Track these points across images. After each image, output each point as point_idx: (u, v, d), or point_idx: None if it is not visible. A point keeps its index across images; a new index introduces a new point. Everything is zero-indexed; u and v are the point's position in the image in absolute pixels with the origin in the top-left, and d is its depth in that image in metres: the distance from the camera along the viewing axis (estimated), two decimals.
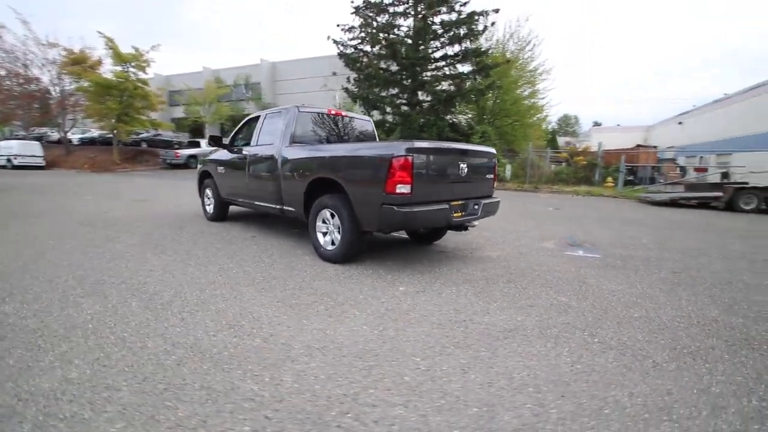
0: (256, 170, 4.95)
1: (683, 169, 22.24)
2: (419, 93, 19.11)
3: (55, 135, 27.35)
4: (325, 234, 4.03)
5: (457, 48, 18.58)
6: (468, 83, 17.85)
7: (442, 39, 18.54)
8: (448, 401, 1.75)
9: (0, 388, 1.75)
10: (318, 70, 33.32)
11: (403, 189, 3.24)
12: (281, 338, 2.31)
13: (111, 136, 23.77)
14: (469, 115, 21.87)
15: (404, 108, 18.74)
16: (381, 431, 1.55)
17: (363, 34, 19.01)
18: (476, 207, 3.96)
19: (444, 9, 18.02)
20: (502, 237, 5.61)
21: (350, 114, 5.26)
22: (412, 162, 3.22)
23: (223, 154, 5.69)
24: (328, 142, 4.94)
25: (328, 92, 32.63)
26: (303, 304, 2.86)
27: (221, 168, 5.67)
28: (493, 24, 18.48)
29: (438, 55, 18.71)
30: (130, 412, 1.61)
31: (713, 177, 14.30)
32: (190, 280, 3.31)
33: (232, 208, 6.30)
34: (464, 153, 3.78)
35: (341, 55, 19.63)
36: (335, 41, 19.74)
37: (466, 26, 17.86)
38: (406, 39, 18.23)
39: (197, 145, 23.03)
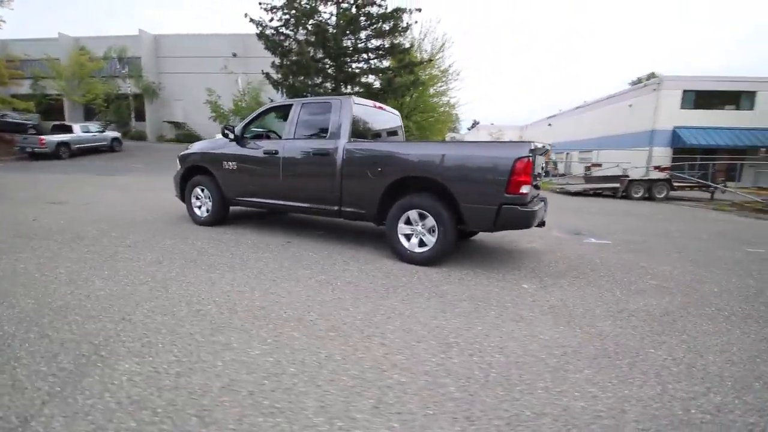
0: (298, 167, 4.33)
1: (555, 164, 26.75)
2: (348, 85, 18.79)
3: None
4: (408, 236, 3.79)
5: (381, 42, 18.80)
6: (398, 78, 18.23)
7: (367, 32, 18.52)
8: None
9: None
10: (215, 49, 29.97)
11: (524, 189, 3.27)
12: (515, 354, 2.16)
13: None
14: None
15: None
16: None
17: (287, 16, 17.73)
18: (543, 203, 4.20)
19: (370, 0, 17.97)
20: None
21: (386, 108, 4.97)
22: (532, 163, 3.27)
23: (231, 148, 4.80)
24: (375, 137, 4.61)
25: (228, 75, 29.81)
26: (466, 313, 2.69)
27: (230, 164, 4.77)
28: (416, 22, 19.18)
29: (363, 47, 18.63)
30: None
31: (614, 171, 17.35)
32: (308, 299, 2.79)
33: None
34: (544, 152, 3.97)
35: (261, 36, 18.00)
36: (252, 20, 17.99)
37: (391, 21, 18.18)
38: (333, 28, 17.63)
39: (68, 129, 18.63)
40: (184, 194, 5.35)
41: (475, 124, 64.46)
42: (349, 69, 18.66)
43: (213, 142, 5.27)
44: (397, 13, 18.00)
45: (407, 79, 18.71)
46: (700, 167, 16.72)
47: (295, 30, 18.12)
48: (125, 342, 2.09)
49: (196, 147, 5.31)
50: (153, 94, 29.33)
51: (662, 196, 12.91)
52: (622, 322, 2.63)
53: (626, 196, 12.89)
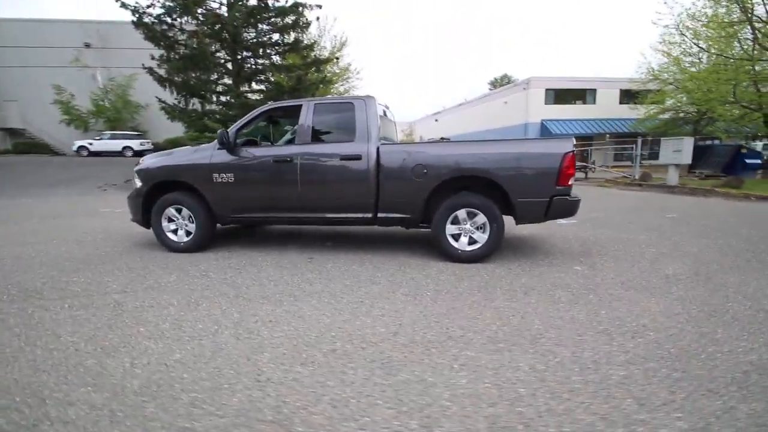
0: (320, 175, 3.88)
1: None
2: (251, 83, 17.39)
3: None
4: (456, 236, 3.77)
5: (281, 38, 17.85)
6: (309, 75, 17.55)
7: (267, 26, 17.37)
8: None
9: None
10: (62, 38, 24.39)
11: (571, 181, 3.56)
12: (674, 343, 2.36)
13: None
14: None
15: (245, 98, 16.60)
16: None
17: (171, 3, 15.42)
18: None
19: None
20: None
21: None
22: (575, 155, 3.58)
23: (220, 157, 4.02)
24: (386, 138, 4.44)
25: (81, 70, 24.67)
26: (571, 300, 2.83)
27: (224, 176, 4.00)
28: (317, 19, 18.71)
29: (267, 41, 17.43)
30: None
31: None
32: (422, 314, 2.56)
33: None
34: None
35: (138, 24, 15.31)
36: (126, 5, 15.15)
37: (293, 16, 17.39)
38: (232, 19, 16.01)
39: None
40: (146, 217, 4.31)
41: None
42: (251, 65, 17.27)
43: (182, 151, 4.37)
44: (297, 7, 17.29)
45: (317, 77, 18.23)
46: None
47: (181, 19, 15.91)
48: None
49: (160, 159, 4.32)
50: None
51: None
52: (678, 284, 3.09)
53: None
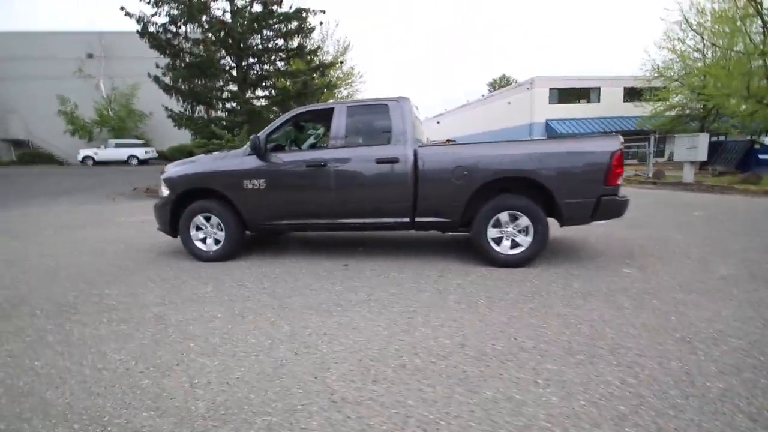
0: (356, 179, 3.76)
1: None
2: (257, 89, 17.36)
3: None
4: (497, 240, 3.64)
5: (285, 43, 17.82)
6: (315, 81, 17.49)
7: (271, 31, 17.33)
8: None
9: None
10: (64, 49, 24.38)
11: (619, 180, 3.43)
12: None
13: None
14: None
15: (251, 104, 16.54)
16: None
17: (175, 11, 15.39)
18: None
19: None
20: None
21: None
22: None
23: (250, 162, 3.91)
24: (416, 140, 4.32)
25: (84, 80, 24.67)
26: (628, 306, 2.70)
27: (255, 183, 3.88)
28: (321, 23, 18.68)
29: (273, 47, 17.41)
30: None
31: None
32: (483, 324, 2.43)
33: None
34: None
35: (143, 33, 15.28)
36: (130, 14, 15.12)
37: (295, 22, 17.36)
38: (238, 25, 15.96)
39: None
40: (173, 226, 4.20)
41: None
42: (257, 71, 17.23)
43: (209, 158, 4.26)
44: (300, 13, 17.25)
45: (322, 82, 18.18)
46: None
47: (186, 27, 15.89)
48: None
49: (187, 167, 4.20)
50: None
51: None
52: (738, 287, 2.95)
53: None
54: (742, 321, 2.41)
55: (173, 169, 4.24)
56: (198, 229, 4.14)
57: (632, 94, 25.47)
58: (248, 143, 3.88)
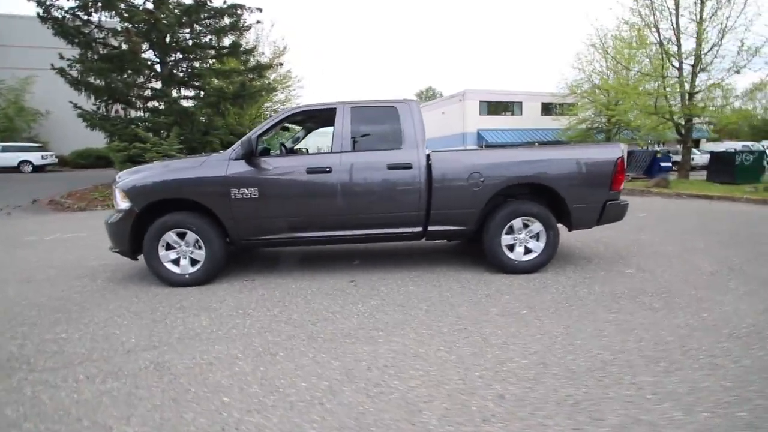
0: (364, 186, 3.42)
1: None
2: (185, 88, 15.80)
3: None
4: (510, 246, 3.58)
5: (218, 40, 16.55)
6: (254, 82, 16.41)
7: (202, 27, 15.96)
8: None
9: None
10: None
11: (621, 186, 3.60)
12: None
13: None
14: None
15: (180, 104, 14.92)
16: None
17: None
18: None
19: None
20: None
21: None
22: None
23: (237, 168, 3.36)
24: None
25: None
26: (659, 307, 2.79)
27: (245, 191, 3.33)
28: (258, 22, 17.67)
29: (205, 43, 16.00)
30: None
31: None
32: (531, 338, 2.31)
33: None
34: None
35: (46, 19, 13.06)
36: None
37: (229, 18, 16.22)
38: (164, 18, 14.34)
39: None
40: (134, 246, 3.47)
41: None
42: (186, 68, 15.70)
43: (184, 163, 3.62)
44: (235, 9, 16.14)
45: (261, 84, 17.16)
46: None
47: (100, 14, 13.90)
48: None
49: (156, 173, 3.49)
50: None
51: None
52: (731, 281, 3.24)
53: None
54: (760, 313, 2.59)
55: (134, 176, 3.49)
56: (169, 248, 3.45)
57: (548, 108, 28.29)
58: (236, 146, 3.35)
